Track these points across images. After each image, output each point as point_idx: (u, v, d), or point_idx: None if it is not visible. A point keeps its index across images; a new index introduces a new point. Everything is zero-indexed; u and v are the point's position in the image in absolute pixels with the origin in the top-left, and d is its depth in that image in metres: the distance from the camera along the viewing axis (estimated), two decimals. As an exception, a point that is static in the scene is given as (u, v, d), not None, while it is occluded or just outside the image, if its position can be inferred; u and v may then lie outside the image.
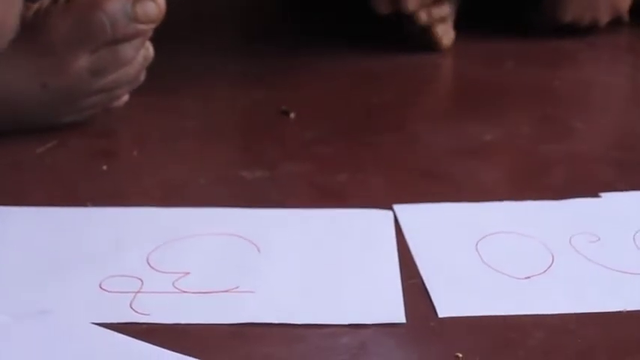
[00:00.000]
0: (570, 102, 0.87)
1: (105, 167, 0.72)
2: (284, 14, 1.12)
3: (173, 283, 0.57)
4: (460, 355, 0.51)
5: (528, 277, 0.58)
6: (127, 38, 0.73)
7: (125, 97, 0.79)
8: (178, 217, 0.64)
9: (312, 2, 1.11)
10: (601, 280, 0.58)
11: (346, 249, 0.61)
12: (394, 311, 0.54)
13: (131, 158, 0.74)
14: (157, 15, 0.73)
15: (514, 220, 0.64)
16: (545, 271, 0.59)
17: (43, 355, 0.50)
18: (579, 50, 1.00)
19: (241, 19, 1.12)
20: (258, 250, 0.61)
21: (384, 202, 0.66)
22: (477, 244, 0.61)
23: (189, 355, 0.50)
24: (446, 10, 0.97)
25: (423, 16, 0.95)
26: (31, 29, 0.72)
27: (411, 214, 0.65)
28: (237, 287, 0.57)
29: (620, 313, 0.55)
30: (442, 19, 0.97)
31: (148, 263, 0.59)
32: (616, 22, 1.04)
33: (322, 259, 0.60)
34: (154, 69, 0.78)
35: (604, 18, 1.02)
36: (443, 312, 0.54)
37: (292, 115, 0.81)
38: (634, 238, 0.62)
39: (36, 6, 0.73)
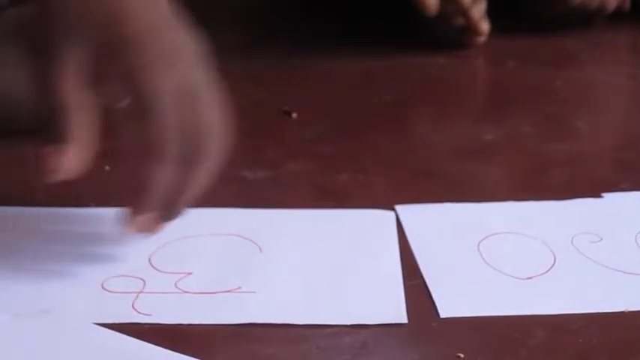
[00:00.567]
0: (572, 102, 0.87)
1: (107, 168, 0.72)
2: (285, 14, 1.12)
3: (175, 284, 0.57)
4: (462, 356, 0.51)
5: (530, 278, 0.58)
6: None
7: (127, 99, 0.79)
8: (180, 217, 0.64)
9: (313, 2, 1.11)
10: (603, 280, 0.58)
11: (348, 249, 0.61)
12: (396, 311, 0.54)
13: (134, 159, 0.74)
14: None
15: (516, 220, 0.64)
16: (547, 271, 0.59)
17: (44, 354, 0.50)
18: (581, 50, 0.99)
19: (242, 19, 1.12)
20: (260, 251, 0.61)
21: (386, 203, 0.66)
22: (478, 245, 0.61)
23: (191, 355, 0.50)
24: (484, 6, 0.96)
25: (475, 14, 0.94)
26: (33, 32, 0.72)
27: (412, 214, 0.65)
28: (238, 288, 0.57)
29: (621, 313, 0.55)
30: (482, 16, 0.96)
31: (150, 263, 0.59)
32: (617, 18, 1.03)
33: (324, 260, 0.60)
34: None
35: (612, 3, 1.00)
36: (445, 312, 0.54)
37: (294, 115, 0.81)
38: (636, 239, 0.62)
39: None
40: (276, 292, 0.56)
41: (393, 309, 0.55)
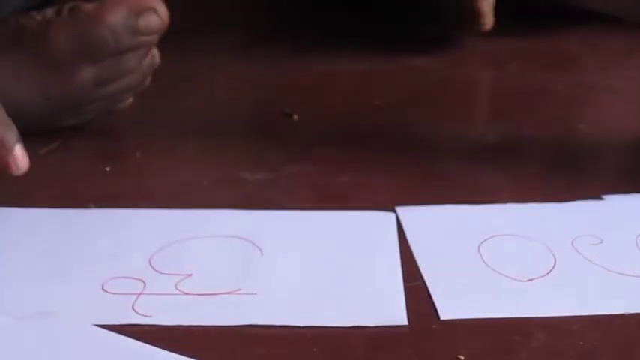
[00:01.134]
0: (573, 104, 0.87)
1: (108, 169, 0.72)
2: (285, 15, 1.12)
3: (175, 285, 0.57)
4: (462, 358, 0.51)
5: (531, 280, 0.58)
6: (131, 49, 0.73)
7: (129, 100, 0.79)
8: (181, 218, 0.64)
9: (314, 2, 1.11)
10: (603, 282, 0.58)
11: (349, 251, 0.61)
12: (396, 313, 0.54)
13: (134, 160, 0.74)
14: (160, 26, 0.72)
15: (516, 222, 0.64)
16: (547, 273, 0.59)
17: (44, 356, 0.50)
18: (582, 53, 0.99)
19: (243, 20, 1.12)
20: (261, 252, 0.61)
21: (387, 204, 0.66)
22: (479, 246, 0.61)
23: (192, 356, 0.50)
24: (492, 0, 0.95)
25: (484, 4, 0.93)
26: (35, 41, 0.72)
27: (413, 216, 0.65)
28: (239, 289, 0.57)
29: (622, 315, 0.55)
30: (490, 9, 0.95)
31: (151, 265, 0.59)
32: (618, 20, 1.03)
33: (324, 261, 0.60)
34: (157, 71, 0.78)
35: None
36: (445, 314, 0.54)
37: (295, 117, 0.81)
38: (636, 241, 0.62)
39: (39, 17, 0.73)
40: (277, 293, 0.56)
41: (393, 310, 0.55)
